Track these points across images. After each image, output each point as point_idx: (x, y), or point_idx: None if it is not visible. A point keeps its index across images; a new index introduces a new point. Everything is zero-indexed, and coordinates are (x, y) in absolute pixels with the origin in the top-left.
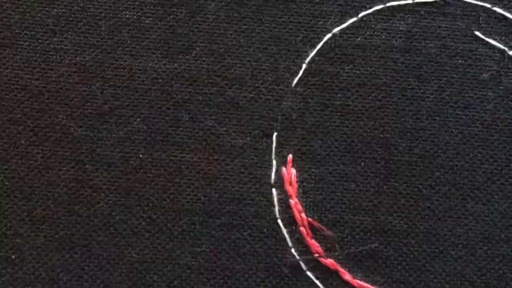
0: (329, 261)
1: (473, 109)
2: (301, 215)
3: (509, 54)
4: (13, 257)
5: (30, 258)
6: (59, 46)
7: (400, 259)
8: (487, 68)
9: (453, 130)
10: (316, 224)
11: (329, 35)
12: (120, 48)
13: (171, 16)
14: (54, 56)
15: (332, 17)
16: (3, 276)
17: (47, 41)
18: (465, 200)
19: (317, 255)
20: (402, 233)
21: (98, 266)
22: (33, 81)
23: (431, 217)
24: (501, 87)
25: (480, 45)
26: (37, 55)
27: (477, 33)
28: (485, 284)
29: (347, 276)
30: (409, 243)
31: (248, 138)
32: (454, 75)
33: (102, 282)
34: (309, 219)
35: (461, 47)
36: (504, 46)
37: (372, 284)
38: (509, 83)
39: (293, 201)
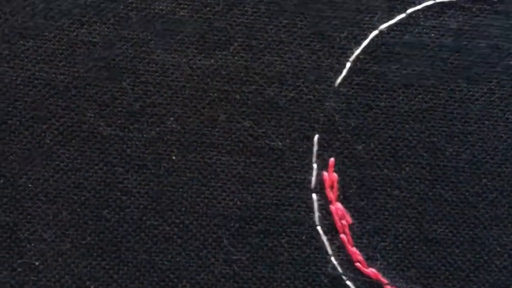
0: (371, 271)
1: None
2: (342, 222)
3: None
4: (36, 263)
5: (55, 265)
6: (87, 38)
7: (444, 269)
8: None
9: (503, 135)
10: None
11: (375, 32)
12: (152, 41)
13: (208, 8)
14: (82, 49)
15: (379, 13)
16: (26, 283)
17: (74, 33)
18: None
19: (358, 264)
20: (446, 242)
21: (128, 274)
22: (58, 76)
23: (477, 225)
24: None
25: None
26: (63, 47)
27: None
28: None
29: (389, 287)
30: (454, 252)
31: (287, 140)
32: (506, 77)
33: None
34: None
35: None
36: None
37: None
38: None
39: (334, 207)
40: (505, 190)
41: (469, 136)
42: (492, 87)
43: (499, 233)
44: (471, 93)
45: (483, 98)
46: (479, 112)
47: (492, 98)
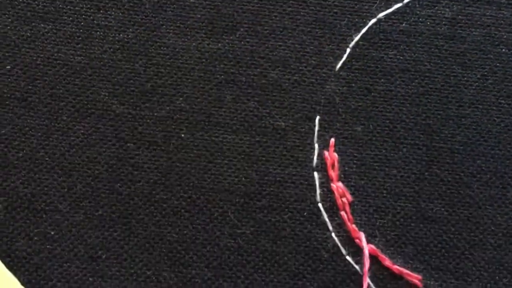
0: (369, 247)
1: None
2: (342, 200)
3: None
4: (52, 233)
5: (69, 235)
6: (102, 22)
7: (440, 246)
8: None
9: (496, 118)
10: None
11: (374, 20)
12: (164, 26)
13: None
14: (98, 33)
15: (378, 2)
16: (42, 252)
17: (91, 17)
18: (506, 189)
19: (357, 240)
20: (442, 220)
21: (137, 245)
22: (75, 57)
23: (472, 204)
24: None
25: None
26: (80, 31)
27: None
28: None
29: (387, 262)
30: (449, 231)
31: (290, 121)
32: (498, 64)
33: (141, 261)
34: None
35: (505, 36)
36: None
37: (411, 271)
38: None
39: (334, 185)
40: (498, 171)
41: (463, 119)
42: (485, 73)
43: (493, 213)
44: (465, 78)
45: (477, 83)
46: (472, 96)
47: (485, 84)
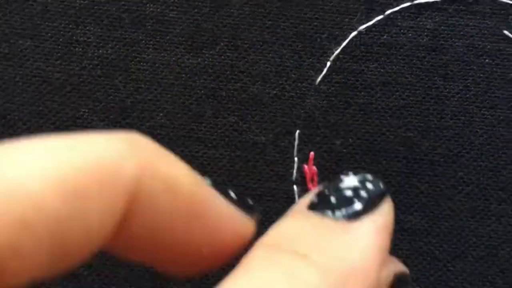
0: None
1: (499, 110)
2: None
3: None
4: None
5: None
6: (81, 38)
7: (421, 258)
8: None
9: (478, 130)
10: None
11: (354, 33)
12: (143, 41)
13: (196, 10)
14: (77, 49)
15: (358, 14)
16: None
17: (70, 33)
18: (488, 201)
19: None
20: (423, 233)
21: None
22: (55, 74)
23: (453, 217)
24: None
25: (509, 45)
26: (59, 47)
27: (505, 32)
28: (508, 285)
29: None
30: (430, 243)
31: (270, 135)
32: (481, 75)
33: None
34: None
35: (488, 46)
36: None
37: None
38: None
39: None
40: (480, 183)
41: (444, 131)
42: (468, 84)
43: (475, 225)
44: (447, 90)
45: (459, 95)
46: (455, 108)
47: (467, 95)
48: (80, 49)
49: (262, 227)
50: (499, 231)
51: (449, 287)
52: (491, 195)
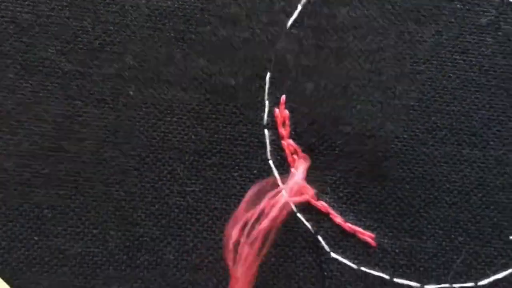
0: (321, 204)
1: (471, 54)
2: (293, 156)
3: (508, 0)
4: None
5: (15, 194)
6: None
7: (394, 204)
8: (485, 13)
9: (450, 74)
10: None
11: None
12: None
13: None
14: None
15: None
16: None
17: None
18: (461, 146)
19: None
20: (397, 178)
21: (84, 204)
22: (23, 14)
23: (427, 162)
24: (500, 33)
25: None
26: None
27: None
28: (479, 231)
29: (339, 219)
30: (404, 188)
31: (241, 79)
32: (453, 20)
33: (88, 219)
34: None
35: None
36: None
37: (364, 229)
38: (507, 29)
39: (285, 143)
40: (453, 128)
41: (417, 75)
42: (440, 29)
43: (448, 170)
44: (419, 34)
45: (431, 39)
46: (427, 53)
47: (439, 40)
48: None
49: (233, 171)
50: (472, 177)
51: (422, 232)
52: (464, 140)
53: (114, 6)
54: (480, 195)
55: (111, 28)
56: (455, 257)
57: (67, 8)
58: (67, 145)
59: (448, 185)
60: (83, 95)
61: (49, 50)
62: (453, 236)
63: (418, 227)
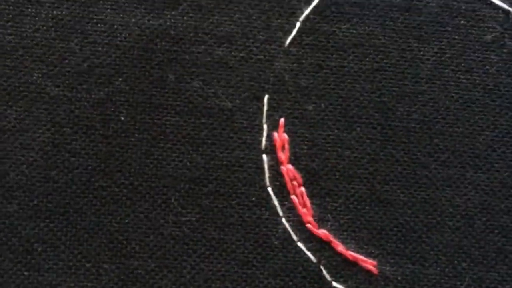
0: (322, 232)
1: (475, 73)
2: (293, 183)
3: None
4: None
5: (2, 227)
6: None
7: (396, 230)
8: (490, 29)
9: (454, 94)
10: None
11: None
12: (100, 1)
13: None
14: (30, 9)
15: None
16: None
17: None
18: (465, 169)
19: (309, 225)
20: (398, 203)
21: (75, 236)
22: (6, 36)
23: (429, 186)
24: (505, 50)
25: (484, 5)
26: (11, 7)
27: None
28: (483, 256)
29: (341, 248)
30: (406, 213)
31: (237, 101)
32: (456, 37)
33: (80, 252)
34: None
35: (463, 7)
36: (509, 6)
37: (365, 256)
38: None
39: (284, 168)
40: (456, 150)
41: (419, 96)
42: (443, 47)
43: (451, 194)
44: (421, 53)
45: (434, 58)
46: (429, 72)
47: (442, 58)
48: (33, 10)
49: (230, 199)
50: (476, 200)
51: (425, 259)
52: (467, 163)
53: (102, 25)
54: (484, 219)
55: (100, 49)
56: (458, 283)
57: (53, 29)
58: (55, 175)
59: (451, 210)
60: (72, 121)
61: (35, 73)
62: (456, 262)
63: (421, 253)
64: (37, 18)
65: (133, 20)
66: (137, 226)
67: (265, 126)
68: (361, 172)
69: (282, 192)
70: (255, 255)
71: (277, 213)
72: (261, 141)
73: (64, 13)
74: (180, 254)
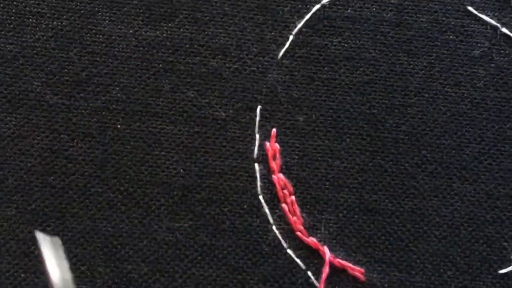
0: (311, 240)
1: (463, 87)
2: (284, 192)
3: (501, 31)
4: None
5: (0, 230)
6: (35, 9)
7: (384, 239)
8: (478, 44)
9: (442, 107)
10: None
11: (317, 6)
12: (99, 13)
13: None
14: (30, 20)
15: None
16: None
17: (23, 4)
18: (451, 180)
19: (299, 233)
20: (386, 212)
21: (72, 240)
22: (7, 46)
23: (416, 196)
24: (492, 65)
25: (473, 21)
26: (12, 18)
27: (469, 8)
28: (469, 266)
29: (328, 255)
30: (393, 222)
31: (230, 111)
32: (445, 51)
33: (75, 256)
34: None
35: (453, 23)
36: (497, 22)
37: (354, 264)
38: (500, 61)
39: (276, 177)
40: (444, 161)
41: (408, 108)
42: (432, 61)
43: (438, 204)
44: (411, 66)
45: (423, 71)
46: (418, 85)
47: (431, 72)
48: (34, 20)
49: (222, 206)
50: (462, 211)
51: (412, 267)
52: (455, 174)
53: (101, 36)
54: (470, 229)
55: (98, 59)
56: None
57: (53, 39)
58: (53, 180)
59: (438, 219)
60: (69, 128)
61: (34, 82)
62: (442, 270)
63: (407, 262)
64: (37, 28)
65: (130, 31)
66: (131, 231)
67: (257, 136)
68: (350, 181)
69: (273, 200)
70: (245, 261)
71: (268, 220)
72: (253, 150)
73: (63, 23)
74: (173, 259)
